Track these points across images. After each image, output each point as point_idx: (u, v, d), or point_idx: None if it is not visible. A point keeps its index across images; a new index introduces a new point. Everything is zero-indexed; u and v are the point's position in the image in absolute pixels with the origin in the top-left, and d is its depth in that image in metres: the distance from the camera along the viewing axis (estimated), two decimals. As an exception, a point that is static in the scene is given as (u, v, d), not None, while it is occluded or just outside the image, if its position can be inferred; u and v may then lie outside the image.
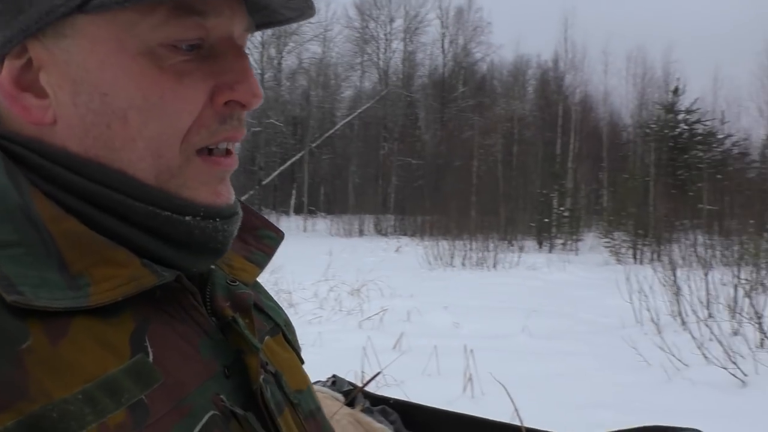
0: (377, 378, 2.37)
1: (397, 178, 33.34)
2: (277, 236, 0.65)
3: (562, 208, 22.79)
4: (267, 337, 0.60)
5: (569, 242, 21.77)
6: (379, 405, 1.38)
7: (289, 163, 33.80)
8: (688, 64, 46.78)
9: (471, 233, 16.67)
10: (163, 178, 0.49)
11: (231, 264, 0.60)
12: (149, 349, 0.45)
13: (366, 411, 1.35)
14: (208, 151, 0.50)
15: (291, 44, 35.44)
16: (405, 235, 25.44)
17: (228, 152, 0.52)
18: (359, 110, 35.22)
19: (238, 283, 0.58)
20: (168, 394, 0.44)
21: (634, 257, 17.60)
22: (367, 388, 1.49)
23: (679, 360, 5.24)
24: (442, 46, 38.23)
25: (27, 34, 0.46)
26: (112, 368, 0.42)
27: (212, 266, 0.56)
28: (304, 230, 26.91)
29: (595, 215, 26.11)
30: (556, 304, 8.99)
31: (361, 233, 27.34)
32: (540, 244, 22.36)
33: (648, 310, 7.05)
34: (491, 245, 15.90)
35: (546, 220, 22.59)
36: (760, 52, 35.96)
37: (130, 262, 0.46)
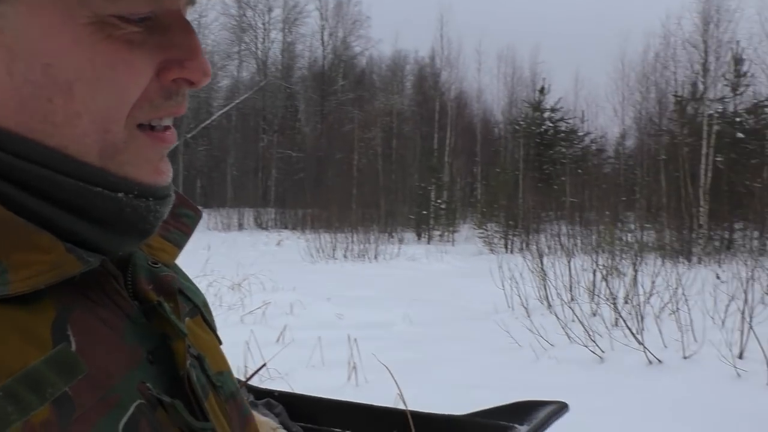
0: (261, 372, 2.33)
1: (277, 170, 32.88)
2: (195, 215, 0.62)
3: (439, 201, 23.63)
4: (187, 319, 0.57)
5: (446, 234, 22.64)
6: (264, 398, 1.36)
7: (162, 154, 32.22)
8: (553, 65, 50.11)
9: (352, 226, 16.84)
10: (107, 155, 0.45)
11: (150, 244, 0.56)
12: (72, 338, 0.42)
13: (250, 405, 1.32)
14: (150, 127, 0.48)
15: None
16: (286, 228, 25.18)
17: (167, 128, 0.50)
18: (237, 101, 34.25)
19: (160, 265, 0.55)
20: (93, 385, 0.42)
21: (506, 247, 18.65)
22: (251, 382, 1.47)
23: (546, 340, 5.63)
24: (322, 39, 38.08)
25: None
26: (34, 360, 0.39)
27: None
28: (180, 224, 25.76)
29: (470, 208, 27.33)
30: (435, 292, 9.33)
31: (240, 227, 26.67)
32: (419, 235, 23.07)
33: (519, 295, 7.51)
34: (372, 237, 16.16)
35: (424, 212, 23.34)
36: (615, 56, 39.41)
37: (54, 248, 0.43)
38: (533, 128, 29.28)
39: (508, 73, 33.74)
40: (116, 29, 0.44)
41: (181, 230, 0.60)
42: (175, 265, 0.61)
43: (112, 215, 0.46)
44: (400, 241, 19.63)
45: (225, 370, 0.60)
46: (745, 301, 5.46)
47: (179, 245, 0.59)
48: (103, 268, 0.47)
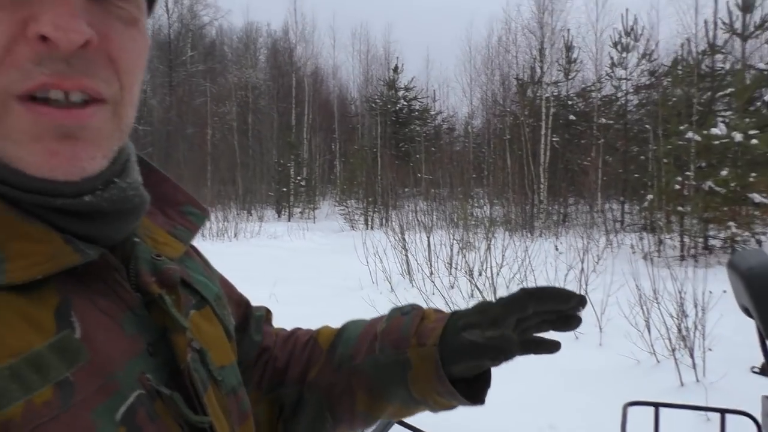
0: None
1: (123, 145, 30.66)
2: (202, 213, 0.63)
3: (299, 178, 23.52)
4: (193, 311, 0.57)
5: (307, 211, 22.65)
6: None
7: None
8: (405, 45, 51.53)
9: (209, 203, 16.28)
10: None
11: (155, 238, 0.56)
12: (76, 325, 0.43)
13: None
14: (36, 99, 0.42)
15: None
16: (135, 207, 23.71)
17: (70, 105, 0.43)
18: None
19: (163, 257, 0.55)
20: (95, 372, 0.43)
21: (366, 223, 19.08)
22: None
23: (411, 314, 5.93)
24: (166, 5, 35.87)
25: None
26: (38, 344, 0.41)
27: (136, 239, 0.53)
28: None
29: (329, 185, 27.51)
30: (300, 270, 9.37)
31: (82, 207, 24.67)
32: (279, 213, 22.86)
33: (382, 271, 7.78)
34: (231, 216, 15.76)
35: (284, 189, 23.12)
36: (462, 38, 41.32)
37: (50, 238, 0.44)
38: (389, 106, 29.99)
39: (363, 50, 34.15)
40: None
41: (187, 227, 0.61)
42: (187, 259, 0.62)
43: (93, 211, 0.47)
44: (260, 218, 19.34)
45: (227, 364, 0.59)
46: (582, 270, 6.12)
47: (185, 241, 0.60)
48: (104, 259, 0.48)
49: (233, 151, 26.42)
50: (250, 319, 0.76)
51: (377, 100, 30.18)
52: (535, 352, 0.66)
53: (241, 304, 0.75)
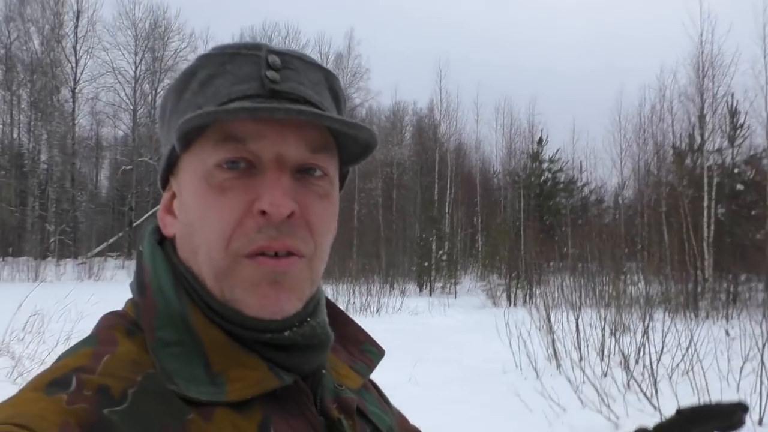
0: None
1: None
2: (379, 352, 0.73)
3: (440, 252, 23.52)
4: None
5: (448, 285, 22.44)
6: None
7: (163, 204, 32.26)
8: (550, 116, 50.99)
9: (353, 277, 16.68)
10: (218, 278, 0.57)
11: (338, 371, 0.67)
12: None
13: None
14: (260, 255, 0.57)
15: (167, 80, 34.35)
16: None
17: (278, 256, 0.57)
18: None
19: (344, 387, 0.65)
20: None
21: (509, 299, 18.44)
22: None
23: (558, 404, 5.45)
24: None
25: (167, 173, 0.64)
26: None
27: (323, 371, 0.64)
28: (179, 275, 25.58)
29: (471, 259, 27.20)
30: (440, 350, 9.13)
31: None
32: (420, 287, 22.87)
33: (527, 355, 7.33)
34: (374, 289, 15.98)
35: (426, 263, 23.18)
36: (611, 108, 39.89)
37: (259, 366, 0.57)
38: (532, 179, 29.45)
39: (506, 124, 34.19)
40: (213, 178, 0.57)
41: (366, 363, 0.71)
42: (365, 392, 0.71)
43: (290, 343, 0.59)
44: (402, 293, 19.42)
45: None
46: (762, 363, 5.31)
47: (363, 375, 0.70)
48: (297, 386, 0.59)
49: (378, 225, 27.20)
50: None
51: (520, 173, 29.80)
52: None
53: None
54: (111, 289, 16.78)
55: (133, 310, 0.61)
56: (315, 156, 0.59)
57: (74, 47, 33.02)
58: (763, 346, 5.68)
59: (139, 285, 0.61)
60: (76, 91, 32.68)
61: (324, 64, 0.65)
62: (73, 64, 32.88)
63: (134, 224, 30.51)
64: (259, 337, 0.58)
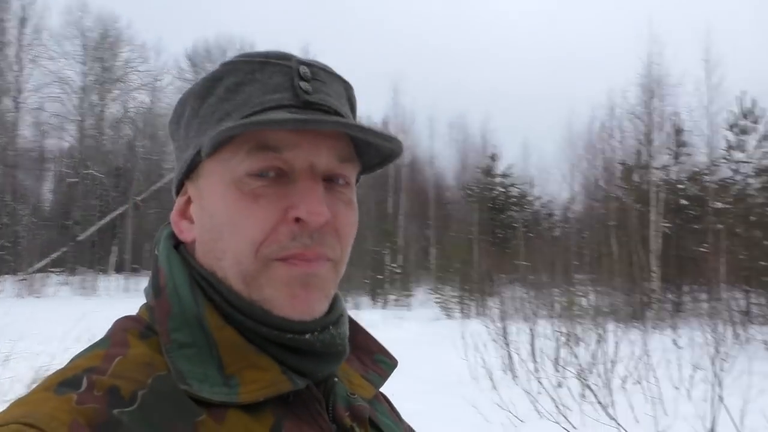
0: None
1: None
2: (391, 362, 0.73)
3: (394, 265, 23.47)
4: None
5: (402, 298, 22.38)
6: None
7: (109, 217, 31.22)
8: (503, 132, 51.89)
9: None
10: (246, 282, 0.58)
11: (351, 380, 0.67)
12: None
13: None
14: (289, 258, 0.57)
15: (116, 91, 33.46)
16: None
17: (308, 258, 0.58)
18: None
19: (356, 396, 0.65)
20: None
21: (462, 311, 18.51)
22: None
23: (515, 416, 5.42)
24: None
25: (184, 177, 0.64)
26: None
27: (336, 379, 0.64)
28: (126, 290, 24.54)
29: (424, 271, 27.26)
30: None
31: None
32: (374, 300, 22.72)
33: (483, 366, 7.30)
34: (328, 303, 15.75)
35: (379, 276, 23.08)
36: (562, 125, 40.82)
37: (272, 368, 0.57)
38: (485, 193, 29.82)
39: (460, 139, 34.61)
40: (245, 185, 0.57)
41: (378, 373, 0.71)
42: (376, 403, 0.70)
43: (308, 348, 0.59)
44: (356, 306, 19.27)
45: None
46: (714, 373, 5.40)
47: (375, 385, 0.70)
48: (310, 392, 0.59)
49: (331, 238, 26.91)
50: None
51: (473, 187, 30.14)
52: None
53: None
54: (53, 306, 16.04)
55: (147, 314, 0.61)
56: (342, 165, 0.61)
57: (18, 55, 31.78)
58: (715, 355, 5.80)
59: (155, 287, 0.61)
60: (20, 100, 31.42)
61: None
62: (17, 73, 31.63)
63: (78, 238, 29.43)
64: (279, 336, 0.57)
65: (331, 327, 0.61)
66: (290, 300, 0.57)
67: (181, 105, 0.65)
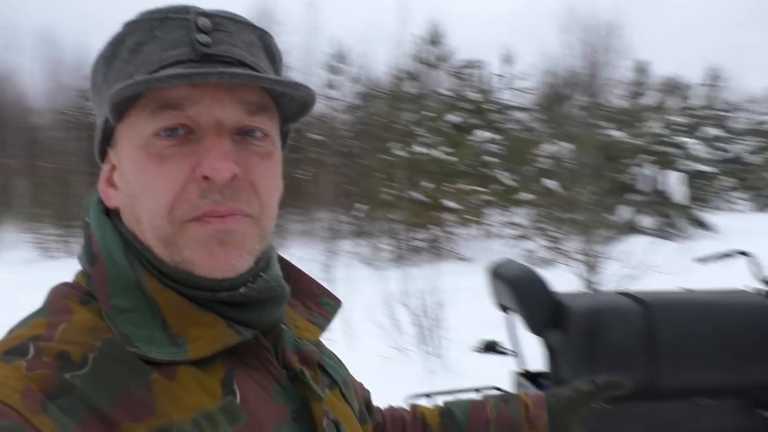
0: None
1: None
2: (335, 303, 0.74)
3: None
4: (326, 390, 0.68)
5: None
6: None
7: None
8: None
9: None
10: (165, 245, 0.57)
11: (297, 325, 0.69)
12: (237, 392, 0.56)
13: None
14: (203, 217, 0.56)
15: None
16: None
17: (222, 216, 0.56)
18: None
19: (304, 340, 0.67)
20: (250, 431, 0.55)
21: (66, 251, 16.82)
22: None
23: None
24: None
25: (104, 144, 0.63)
26: (209, 405, 0.54)
27: (282, 326, 0.66)
28: None
29: (6, 207, 23.58)
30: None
31: None
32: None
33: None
34: None
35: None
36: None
37: (217, 324, 0.57)
38: (82, 118, 27.01)
39: (50, 56, 30.23)
40: (152, 147, 0.56)
41: (323, 315, 0.72)
42: (320, 344, 0.73)
43: (246, 300, 0.59)
44: None
45: None
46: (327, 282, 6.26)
47: (321, 327, 0.71)
48: (258, 341, 0.61)
49: None
50: (370, 403, 0.87)
51: (69, 111, 26.94)
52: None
53: (362, 389, 0.85)
54: None
55: (84, 281, 0.60)
56: (253, 118, 0.59)
57: None
58: (327, 264, 6.71)
59: (89, 255, 0.60)
60: None
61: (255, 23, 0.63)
62: None
63: None
64: (215, 296, 0.58)
65: (262, 273, 0.61)
66: (210, 260, 0.56)
67: (93, 71, 0.63)
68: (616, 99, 17.12)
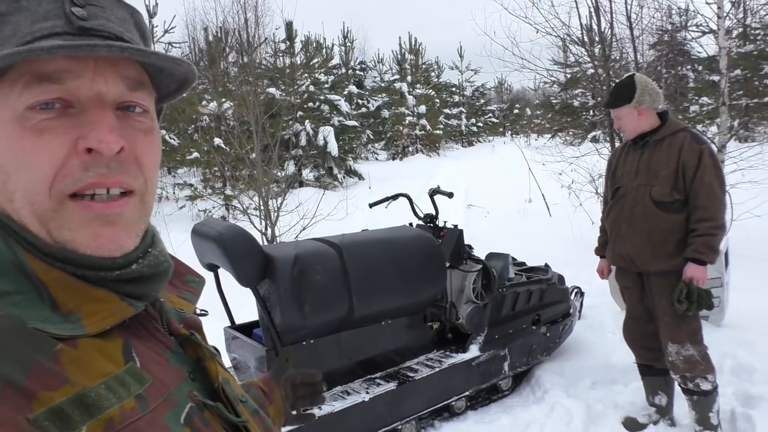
0: None
1: None
2: (200, 280, 0.79)
3: None
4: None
5: None
6: None
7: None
8: None
9: None
10: (42, 221, 0.56)
11: (171, 301, 0.72)
12: (136, 359, 0.58)
13: None
14: (87, 197, 0.56)
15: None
16: None
17: (110, 198, 0.57)
18: None
19: (184, 311, 0.72)
20: (157, 391, 0.57)
21: None
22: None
23: None
24: None
25: None
26: (116, 371, 0.55)
27: (161, 299, 0.69)
28: None
29: None
30: None
31: None
32: None
33: None
34: None
35: None
36: None
37: (111, 298, 0.58)
38: None
39: None
40: (27, 121, 0.54)
41: (190, 292, 0.77)
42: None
43: (138, 275, 0.61)
44: None
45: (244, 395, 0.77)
46: None
47: (192, 302, 0.76)
48: (145, 312, 0.64)
49: None
50: None
51: None
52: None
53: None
54: None
55: None
56: (133, 93, 0.59)
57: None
58: None
59: None
60: None
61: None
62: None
63: None
64: (107, 275, 0.58)
65: (150, 249, 0.63)
66: (95, 239, 0.56)
67: None
68: (269, 57, 17.79)
